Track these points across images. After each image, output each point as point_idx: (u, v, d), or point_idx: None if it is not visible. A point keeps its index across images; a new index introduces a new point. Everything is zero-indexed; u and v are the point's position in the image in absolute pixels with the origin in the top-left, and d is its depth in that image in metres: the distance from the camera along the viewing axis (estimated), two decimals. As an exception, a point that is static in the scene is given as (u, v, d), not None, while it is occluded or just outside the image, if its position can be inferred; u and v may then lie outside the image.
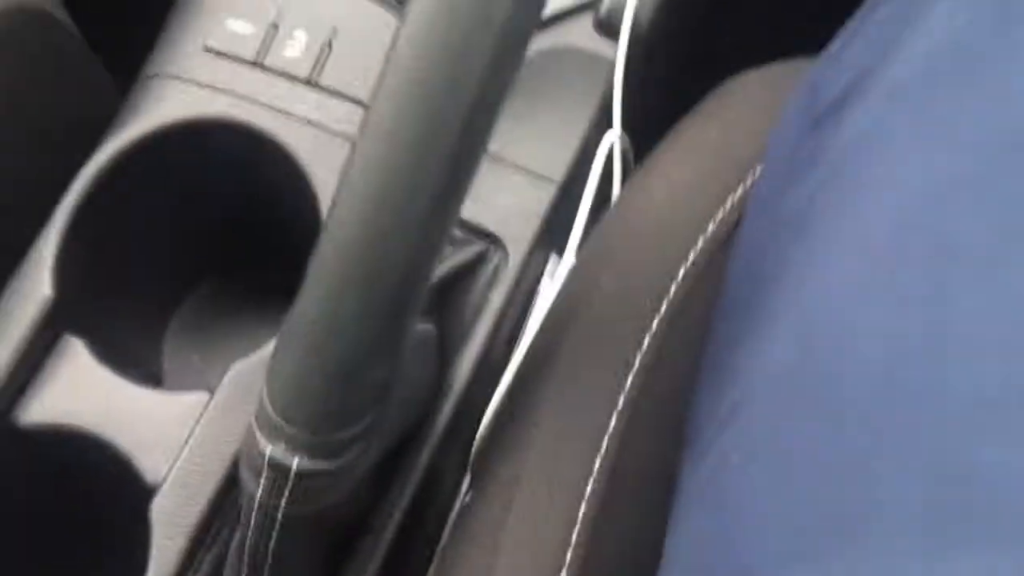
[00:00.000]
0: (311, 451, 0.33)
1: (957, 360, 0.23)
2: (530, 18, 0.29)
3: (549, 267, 0.46)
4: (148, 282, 0.50)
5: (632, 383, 0.35)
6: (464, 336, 0.44)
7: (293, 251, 0.49)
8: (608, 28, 0.48)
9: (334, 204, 0.30)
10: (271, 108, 0.46)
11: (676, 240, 0.37)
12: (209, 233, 0.51)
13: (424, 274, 0.32)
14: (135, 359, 0.49)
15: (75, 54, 0.52)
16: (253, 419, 0.34)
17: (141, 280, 0.50)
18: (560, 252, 0.46)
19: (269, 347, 0.43)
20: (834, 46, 0.36)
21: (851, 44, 0.34)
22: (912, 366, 0.24)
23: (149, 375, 0.49)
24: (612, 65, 0.46)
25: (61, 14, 0.51)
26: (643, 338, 0.35)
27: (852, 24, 0.35)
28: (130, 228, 0.48)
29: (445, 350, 0.44)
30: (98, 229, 0.46)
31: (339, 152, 0.45)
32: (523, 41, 0.29)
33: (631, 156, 0.46)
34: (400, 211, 0.29)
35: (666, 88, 0.53)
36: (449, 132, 0.28)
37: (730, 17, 0.63)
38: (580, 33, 0.48)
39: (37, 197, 0.46)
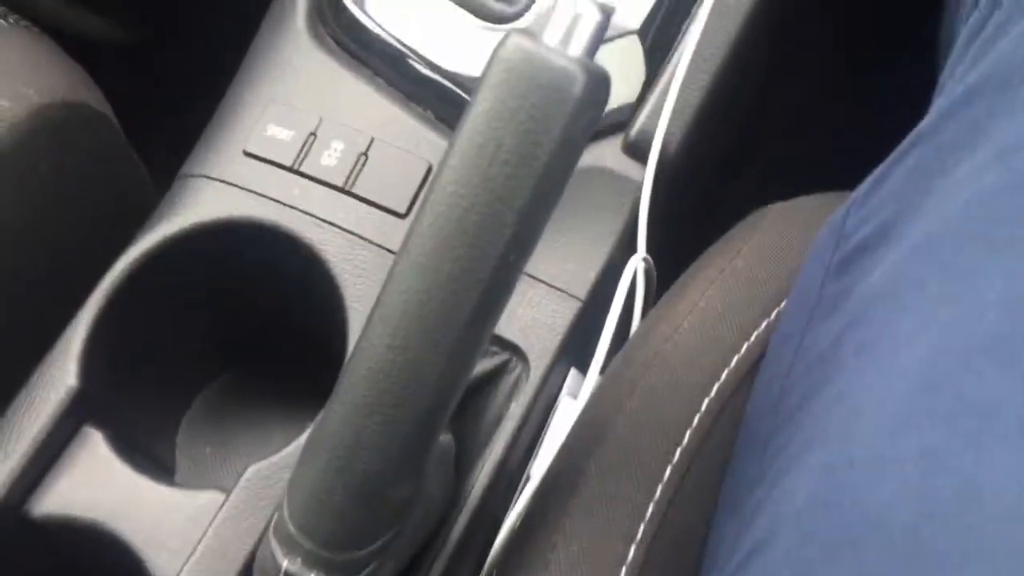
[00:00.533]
0: (328, 567, 0.33)
1: (989, 523, 0.23)
2: (572, 157, 0.30)
3: (569, 383, 0.46)
4: (169, 375, 0.51)
5: (652, 513, 0.35)
6: (482, 446, 0.44)
7: (313, 353, 0.49)
8: (636, 151, 0.48)
9: (368, 325, 0.31)
10: (305, 213, 0.46)
11: (701, 371, 0.38)
12: (233, 330, 0.52)
13: (451, 397, 0.32)
14: (149, 449, 0.49)
15: (115, 149, 0.53)
16: (271, 530, 0.34)
17: (162, 372, 0.50)
18: (580, 368, 0.46)
19: (286, 450, 0.43)
20: (861, 189, 0.36)
21: (878, 190, 0.35)
22: (941, 527, 0.24)
23: (160, 465, 0.49)
24: (639, 187, 0.47)
25: (104, 109, 0.52)
26: (665, 469, 0.35)
27: (880, 169, 0.36)
28: (157, 322, 0.48)
29: (462, 460, 0.44)
30: (126, 322, 0.46)
31: (369, 259, 0.46)
32: (564, 179, 0.30)
33: (655, 280, 0.46)
34: (433, 338, 0.30)
35: (693, 213, 0.54)
36: (486, 264, 0.29)
37: (759, 147, 0.64)
38: (609, 154, 0.49)
39: (68, 286, 0.46)
